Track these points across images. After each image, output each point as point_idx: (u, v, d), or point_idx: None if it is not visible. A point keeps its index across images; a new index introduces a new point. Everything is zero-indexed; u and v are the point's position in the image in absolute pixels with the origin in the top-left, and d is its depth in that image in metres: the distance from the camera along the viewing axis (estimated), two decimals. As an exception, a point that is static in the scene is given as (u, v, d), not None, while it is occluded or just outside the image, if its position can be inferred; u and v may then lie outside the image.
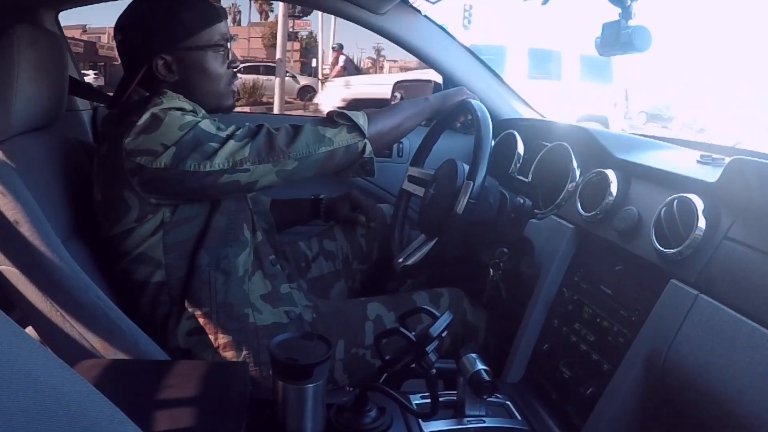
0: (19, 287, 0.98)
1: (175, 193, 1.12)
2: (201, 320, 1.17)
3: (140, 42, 1.19)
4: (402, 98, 2.33)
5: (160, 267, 1.16)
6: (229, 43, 1.25)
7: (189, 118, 1.10)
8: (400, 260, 1.34)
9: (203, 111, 1.18)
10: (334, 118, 1.20)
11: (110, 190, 1.14)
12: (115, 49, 1.28)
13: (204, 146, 1.09)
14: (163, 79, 1.20)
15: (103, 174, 1.16)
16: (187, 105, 1.14)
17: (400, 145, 2.09)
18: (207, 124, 1.11)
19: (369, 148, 1.21)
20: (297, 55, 29.89)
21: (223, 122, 1.16)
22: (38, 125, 1.19)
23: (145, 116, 1.08)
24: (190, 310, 1.17)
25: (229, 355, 1.17)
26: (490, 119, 1.27)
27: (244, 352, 1.17)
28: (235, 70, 1.29)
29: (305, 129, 1.16)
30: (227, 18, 1.26)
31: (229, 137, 1.11)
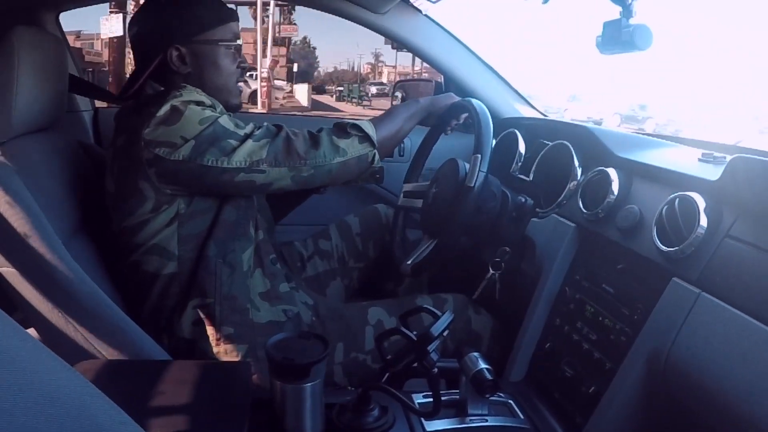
0: (21, 288, 0.98)
1: (191, 186, 1.14)
2: (206, 310, 1.18)
3: (157, 33, 1.21)
4: (403, 97, 2.33)
5: (173, 259, 1.17)
6: (239, 43, 1.29)
7: (209, 112, 1.12)
8: (409, 262, 1.32)
9: (221, 106, 1.20)
10: (346, 129, 1.22)
11: (125, 181, 1.15)
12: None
13: (223, 142, 1.11)
14: (176, 71, 1.22)
15: (119, 165, 1.17)
16: (206, 99, 1.16)
17: (402, 144, 2.10)
18: (226, 120, 1.14)
19: (377, 157, 1.25)
20: (284, 60, 30.00)
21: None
22: (39, 127, 1.19)
23: (165, 107, 1.10)
24: (196, 300, 1.18)
25: (228, 347, 1.18)
26: (488, 111, 1.26)
27: (244, 346, 1.18)
28: (242, 68, 1.31)
29: (322, 138, 1.19)
30: (238, 20, 1.31)
31: (248, 136, 1.14)
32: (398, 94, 2.35)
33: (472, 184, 1.17)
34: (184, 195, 1.16)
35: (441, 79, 2.05)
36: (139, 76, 1.24)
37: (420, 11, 1.84)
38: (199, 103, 1.13)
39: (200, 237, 1.18)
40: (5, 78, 1.05)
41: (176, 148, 1.09)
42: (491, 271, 1.35)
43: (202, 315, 1.18)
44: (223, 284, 1.18)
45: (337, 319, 1.31)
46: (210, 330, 1.18)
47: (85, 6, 1.79)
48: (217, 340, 1.18)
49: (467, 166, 1.27)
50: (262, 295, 1.24)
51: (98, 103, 1.98)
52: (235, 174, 1.12)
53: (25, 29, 1.09)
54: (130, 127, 1.14)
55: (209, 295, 1.17)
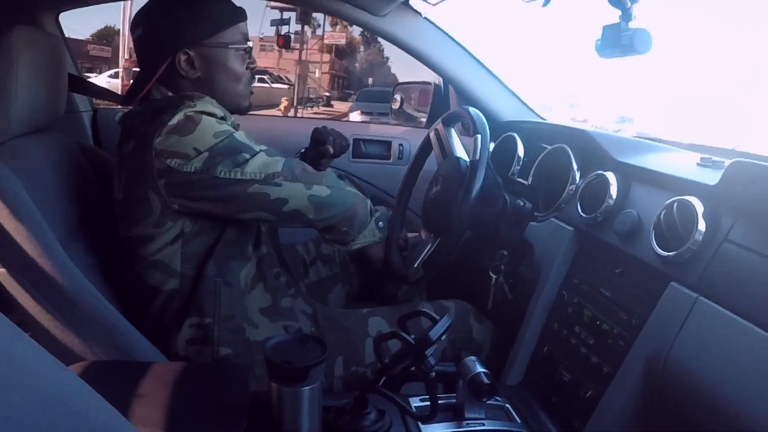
0: (17, 289, 0.98)
1: (202, 199, 1.10)
2: (203, 330, 1.16)
3: (164, 36, 1.18)
4: (401, 100, 2.33)
5: (175, 276, 1.15)
6: (250, 44, 1.26)
7: (224, 127, 1.10)
8: (416, 265, 1.30)
9: (232, 118, 1.19)
10: (341, 175, 1.28)
11: (133, 190, 1.12)
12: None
13: (237, 155, 1.09)
14: (185, 76, 1.20)
15: (127, 172, 1.14)
16: (218, 111, 1.14)
17: (401, 147, 2.10)
18: (241, 135, 1.12)
19: (372, 207, 1.28)
20: (326, 68, 30.22)
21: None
22: (37, 127, 1.19)
23: (178, 116, 1.07)
24: (193, 319, 1.16)
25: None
26: (483, 117, 1.26)
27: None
28: (252, 70, 1.29)
29: (328, 171, 1.22)
30: (247, 20, 1.27)
31: (262, 151, 1.13)
32: (397, 96, 2.36)
33: (476, 158, 1.16)
34: (188, 215, 1.13)
35: (440, 81, 2.05)
36: (146, 79, 1.20)
37: (420, 14, 1.84)
38: (212, 115, 1.11)
39: (202, 255, 1.16)
40: (4, 78, 1.05)
41: (189, 160, 1.07)
42: (493, 276, 1.35)
43: (199, 334, 1.16)
44: (222, 304, 1.16)
45: (336, 329, 1.28)
46: (206, 350, 1.16)
47: (85, 6, 1.79)
48: (214, 360, 1.16)
49: (468, 160, 1.26)
50: (263, 311, 1.21)
51: (98, 104, 1.98)
52: (248, 185, 1.09)
53: (23, 29, 1.09)
54: (140, 134, 1.11)
55: (208, 314, 1.15)
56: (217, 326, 1.15)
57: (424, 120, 2.17)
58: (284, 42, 13.11)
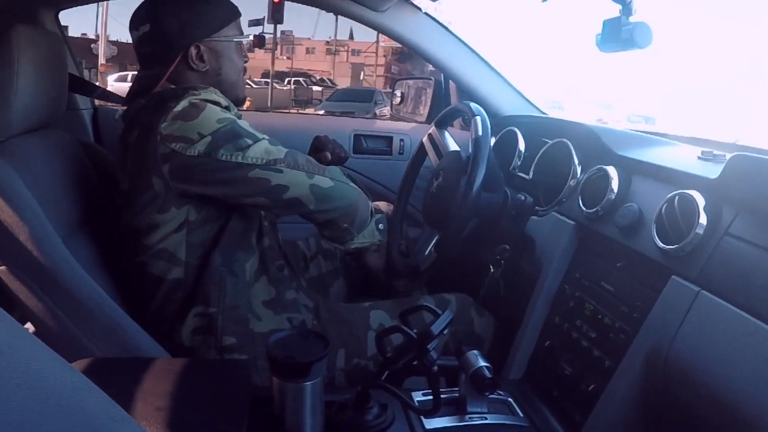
0: (19, 286, 0.98)
1: (203, 183, 1.12)
2: (207, 320, 1.17)
3: (176, 31, 1.20)
4: (403, 95, 2.33)
5: (179, 264, 1.16)
6: (250, 37, 1.35)
7: (227, 115, 1.14)
8: (425, 254, 1.30)
9: (235, 109, 1.22)
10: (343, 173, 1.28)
11: (138, 176, 1.14)
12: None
13: (239, 140, 1.12)
14: (195, 69, 1.24)
15: (132, 160, 1.16)
16: (222, 100, 1.17)
17: (402, 142, 2.10)
18: (244, 123, 1.16)
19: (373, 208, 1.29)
20: (382, 70, 30.95)
21: None
22: (38, 125, 1.19)
23: (183, 103, 1.11)
24: (198, 308, 1.17)
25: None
26: (485, 113, 1.26)
27: (244, 356, 1.17)
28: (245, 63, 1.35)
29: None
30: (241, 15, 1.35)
31: (265, 139, 1.15)
32: (398, 92, 2.35)
33: (479, 134, 1.16)
34: (192, 201, 1.14)
35: (441, 77, 2.05)
36: (159, 74, 1.22)
37: (420, 9, 1.83)
38: (216, 104, 1.15)
39: (207, 245, 1.17)
40: (4, 76, 1.04)
41: (192, 144, 1.09)
42: (492, 270, 1.35)
43: (204, 324, 1.17)
44: (227, 294, 1.17)
45: (338, 322, 1.28)
46: (211, 340, 1.17)
47: (84, 5, 1.79)
48: (218, 350, 1.17)
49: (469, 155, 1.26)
50: (266, 304, 1.22)
51: (98, 102, 1.98)
52: (249, 170, 1.11)
53: (24, 27, 1.09)
54: (145, 122, 1.14)
55: (213, 304, 1.16)
56: (221, 315, 1.17)
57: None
58: (258, 42, 13.21)
